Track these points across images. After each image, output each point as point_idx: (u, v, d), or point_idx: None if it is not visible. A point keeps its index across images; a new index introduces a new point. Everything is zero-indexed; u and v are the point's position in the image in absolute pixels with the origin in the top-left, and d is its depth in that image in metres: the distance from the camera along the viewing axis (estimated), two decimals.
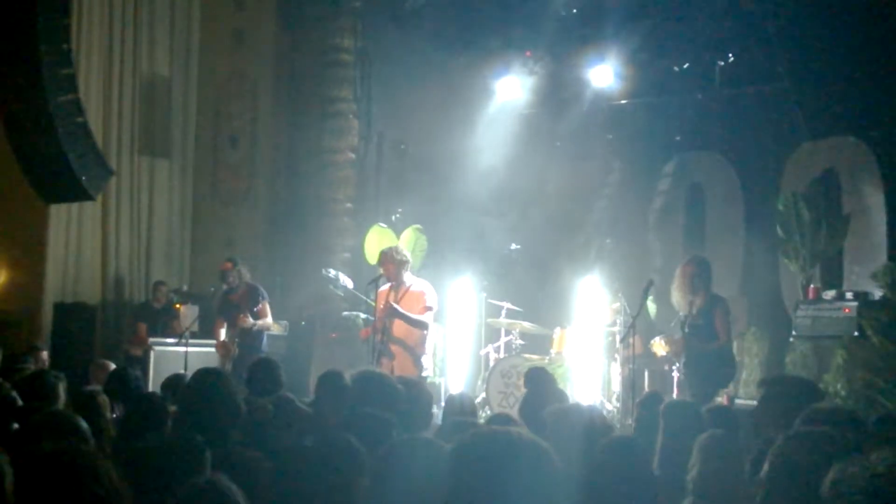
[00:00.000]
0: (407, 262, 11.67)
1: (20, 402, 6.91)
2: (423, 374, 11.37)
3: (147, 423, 6.17)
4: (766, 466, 3.58)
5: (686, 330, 10.49)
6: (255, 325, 12.59)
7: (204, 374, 6.36)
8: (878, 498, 2.73)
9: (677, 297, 10.73)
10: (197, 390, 6.16)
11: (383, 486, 3.49)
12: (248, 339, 12.62)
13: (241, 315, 12.57)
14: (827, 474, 2.94)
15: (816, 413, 4.67)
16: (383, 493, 3.47)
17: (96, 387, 8.20)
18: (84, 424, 5.23)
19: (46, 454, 3.03)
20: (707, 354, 10.37)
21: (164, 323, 15.40)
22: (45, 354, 12.43)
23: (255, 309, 12.69)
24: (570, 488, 3.25)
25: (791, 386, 5.57)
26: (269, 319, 12.94)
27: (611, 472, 4.97)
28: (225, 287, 13.02)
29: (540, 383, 8.38)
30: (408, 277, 11.61)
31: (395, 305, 11.21)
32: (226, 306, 12.96)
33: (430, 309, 11.41)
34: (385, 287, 11.62)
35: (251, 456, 5.08)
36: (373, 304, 11.88)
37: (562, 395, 8.16)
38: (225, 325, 12.84)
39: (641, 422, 7.28)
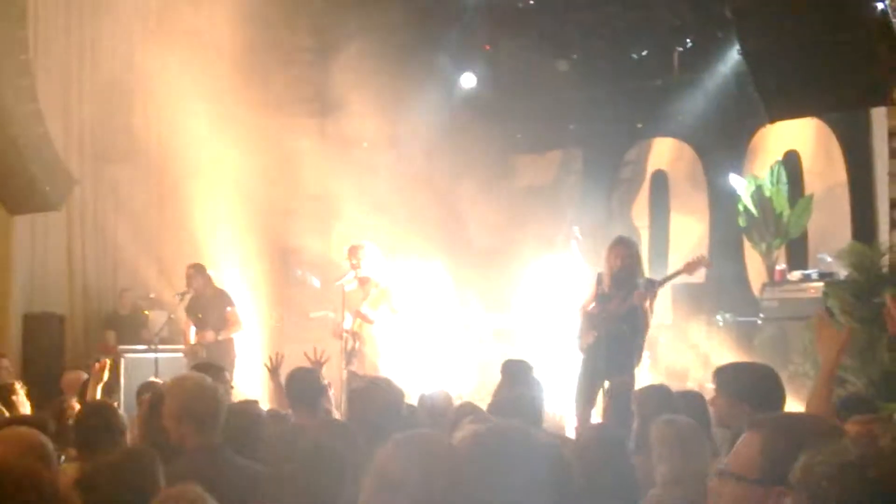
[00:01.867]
0: (375, 256, 11.74)
1: None
2: (391, 371, 11.43)
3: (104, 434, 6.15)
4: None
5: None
6: (216, 337, 12.58)
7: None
8: (846, 486, 2.73)
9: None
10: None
11: (385, 476, 3.51)
12: (217, 345, 12.61)
13: (203, 331, 12.56)
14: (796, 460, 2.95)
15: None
16: (385, 482, 3.49)
17: (69, 396, 8.22)
18: (44, 439, 5.16)
19: None
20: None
21: (132, 330, 15.35)
22: (5, 362, 12.32)
23: (224, 315, 12.68)
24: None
25: (745, 373, 5.55)
26: (236, 325, 12.92)
27: (592, 463, 5.01)
28: (191, 292, 12.98)
29: (516, 374, 8.39)
30: (375, 273, 11.66)
31: (362, 314, 11.30)
32: (193, 309, 12.95)
33: (396, 309, 11.49)
34: (351, 286, 11.67)
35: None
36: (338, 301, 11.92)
37: (537, 385, 8.17)
38: (193, 328, 12.84)
39: (612, 411, 7.33)
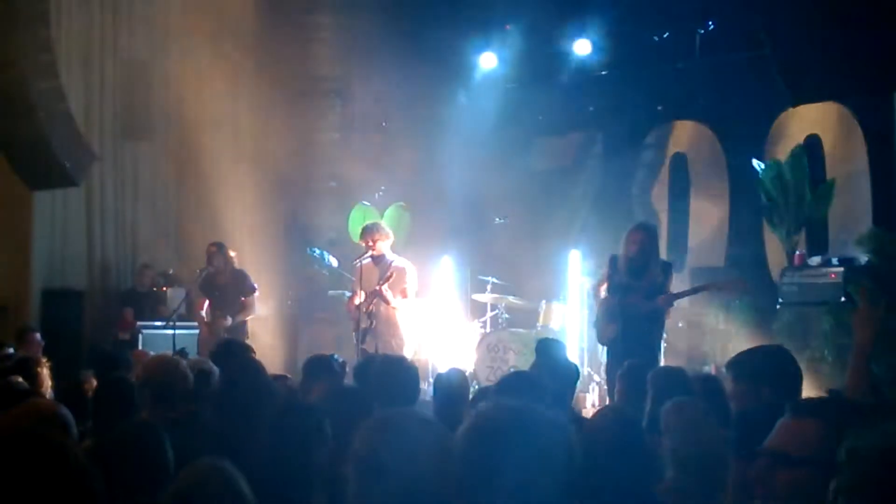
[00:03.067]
0: (389, 237, 11.77)
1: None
2: (407, 351, 11.47)
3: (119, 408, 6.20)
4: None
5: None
6: (233, 322, 12.62)
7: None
8: (892, 469, 2.74)
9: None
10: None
11: (367, 462, 3.44)
12: (231, 327, 12.66)
13: (221, 313, 12.59)
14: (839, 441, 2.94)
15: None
16: (368, 467, 3.42)
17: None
18: (64, 411, 5.21)
19: (11, 437, 3.05)
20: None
21: (150, 306, 15.40)
22: (37, 336, 12.39)
23: (242, 299, 12.72)
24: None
25: (759, 356, 5.50)
26: (251, 309, 12.95)
27: (604, 444, 4.98)
28: (211, 269, 13.01)
29: (549, 353, 8.34)
30: (390, 253, 11.70)
31: (381, 290, 11.31)
32: (209, 287, 12.98)
33: (411, 287, 11.53)
34: (367, 262, 11.70)
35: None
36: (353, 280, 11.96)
37: (570, 365, 8.12)
38: (206, 303, 12.88)
39: (625, 393, 7.30)
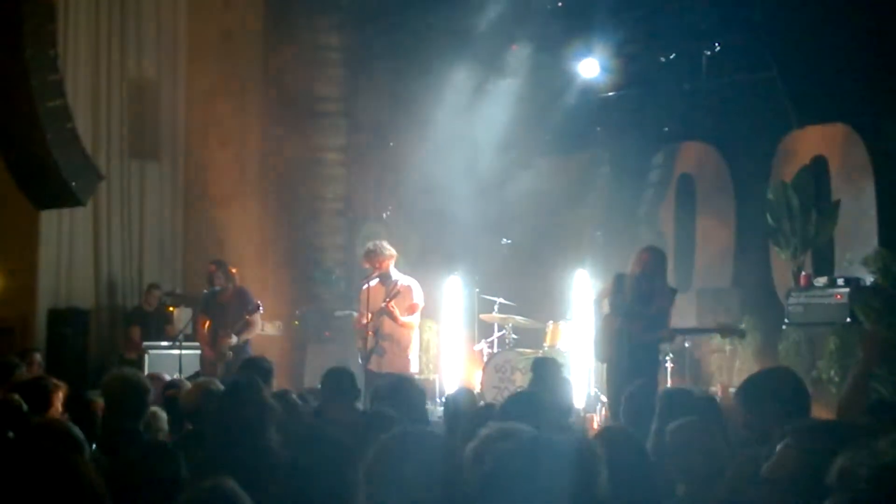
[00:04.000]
0: (394, 256, 11.78)
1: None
2: (413, 369, 11.48)
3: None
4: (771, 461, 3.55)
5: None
6: (238, 341, 12.56)
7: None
8: (885, 488, 2.74)
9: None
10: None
11: (381, 477, 3.44)
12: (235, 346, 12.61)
13: (224, 332, 12.53)
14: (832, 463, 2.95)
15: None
16: (381, 483, 3.43)
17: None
18: (77, 431, 5.24)
19: (31, 458, 3.05)
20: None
21: (157, 326, 15.41)
22: (38, 357, 12.41)
23: (248, 317, 12.66)
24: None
25: (767, 379, 5.49)
26: (255, 327, 12.88)
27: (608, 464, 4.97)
28: (214, 288, 12.98)
29: (545, 372, 8.35)
30: (395, 272, 11.71)
31: (389, 307, 11.32)
32: (212, 306, 12.94)
33: (417, 306, 11.55)
34: (373, 283, 11.70)
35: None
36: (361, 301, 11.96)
37: (566, 384, 8.13)
38: (208, 323, 12.84)
39: (629, 414, 7.28)
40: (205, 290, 13.36)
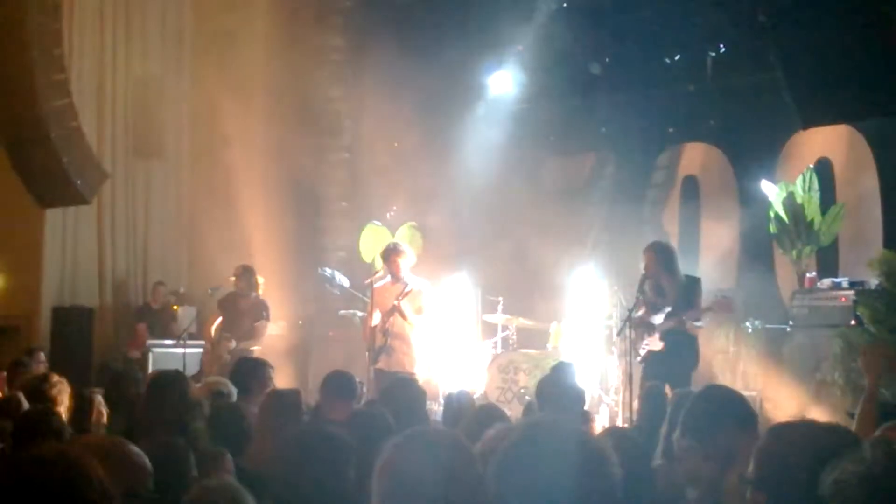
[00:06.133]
0: (409, 257, 11.78)
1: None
2: (418, 368, 11.50)
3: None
4: (751, 465, 3.53)
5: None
6: (238, 346, 12.55)
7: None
8: (874, 497, 2.76)
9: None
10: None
11: (392, 478, 3.42)
12: (238, 350, 12.59)
13: (226, 339, 12.53)
14: (821, 470, 2.96)
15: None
16: (393, 484, 3.40)
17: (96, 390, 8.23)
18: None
19: (38, 456, 3.05)
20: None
21: (162, 324, 15.43)
22: (41, 355, 12.43)
23: (255, 324, 12.69)
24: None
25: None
26: (259, 339, 12.90)
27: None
28: (221, 287, 12.99)
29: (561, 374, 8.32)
30: (408, 273, 11.71)
31: (403, 306, 11.33)
32: (228, 306, 12.96)
33: (427, 308, 11.55)
34: (385, 282, 11.70)
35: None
36: (367, 300, 11.95)
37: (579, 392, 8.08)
38: (219, 319, 12.85)
39: (643, 415, 7.28)
40: (209, 289, 13.38)
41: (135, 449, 3.95)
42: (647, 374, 10.36)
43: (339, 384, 7.45)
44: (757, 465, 3.39)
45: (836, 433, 3.39)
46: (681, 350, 10.41)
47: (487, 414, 6.48)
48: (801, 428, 3.45)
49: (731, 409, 4.79)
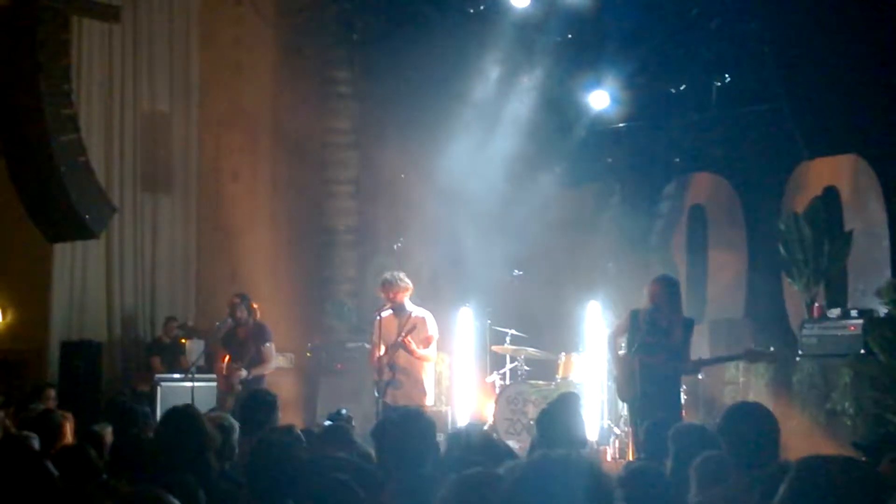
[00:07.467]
0: (409, 288, 11.75)
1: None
2: (428, 401, 11.45)
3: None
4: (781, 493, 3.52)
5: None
6: (249, 375, 12.48)
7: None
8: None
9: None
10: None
11: None
12: (249, 380, 12.53)
13: (237, 369, 12.46)
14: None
15: None
16: None
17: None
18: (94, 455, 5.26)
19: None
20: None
21: (172, 358, 15.45)
22: (52, 392, 12.46)
23: (261, 349, 12.62)
24: None
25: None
26: (269, 363, 12.82)
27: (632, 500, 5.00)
28: (232, 322, 12.94)
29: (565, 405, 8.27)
30: (409, 304, 11.68)
31: (406, 341, 11.29)
32: (231, 340, 12.92)
33: (432, 338, 11.52)
34: (386, 314, 11.67)
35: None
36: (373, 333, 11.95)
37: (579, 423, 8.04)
38: (227, 357, 12.81)
39: (648, 450, 7.27)
40: (217, 323, 13.34)
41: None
42: (643, 412, 10.20)
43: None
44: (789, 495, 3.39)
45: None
46: (673, 396, 10.36)
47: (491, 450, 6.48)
48: (837, 463, 3.44)
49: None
